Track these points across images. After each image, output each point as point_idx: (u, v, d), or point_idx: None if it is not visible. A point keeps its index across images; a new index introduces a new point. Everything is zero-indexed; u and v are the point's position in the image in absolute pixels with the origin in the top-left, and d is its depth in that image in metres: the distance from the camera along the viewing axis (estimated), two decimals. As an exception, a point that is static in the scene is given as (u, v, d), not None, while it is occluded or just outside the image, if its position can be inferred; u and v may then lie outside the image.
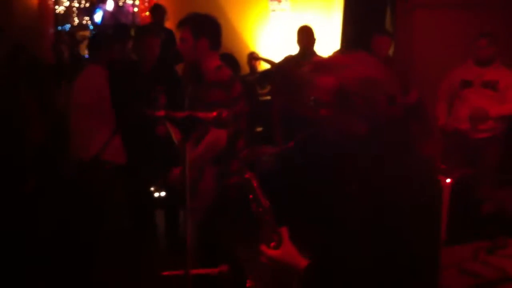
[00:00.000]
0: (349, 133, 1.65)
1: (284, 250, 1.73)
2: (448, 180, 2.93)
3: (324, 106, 1.66)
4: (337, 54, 1.70)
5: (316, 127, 1.71)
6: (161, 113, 1.98)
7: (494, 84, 4.88)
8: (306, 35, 5.76)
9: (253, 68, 7.54)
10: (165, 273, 2.16)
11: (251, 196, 1.81)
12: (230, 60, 5.20)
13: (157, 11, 7.14)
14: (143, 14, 8.17)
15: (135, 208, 5.29)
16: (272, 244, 1.76)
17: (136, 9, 9.55)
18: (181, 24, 3.24)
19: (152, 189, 5.41)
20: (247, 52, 7.67)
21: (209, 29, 3.21)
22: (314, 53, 5.71)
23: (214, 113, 1.86)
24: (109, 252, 4.86)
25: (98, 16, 11.99)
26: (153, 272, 2.45)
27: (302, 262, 1.68)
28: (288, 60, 5.99)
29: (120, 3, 11.56)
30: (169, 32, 6.61)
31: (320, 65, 1.71)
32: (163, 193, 5.42)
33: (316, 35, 5.82)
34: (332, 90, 1.64)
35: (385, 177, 1.58)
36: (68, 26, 11.68)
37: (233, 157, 3.11)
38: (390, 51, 5.83)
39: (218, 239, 3.21)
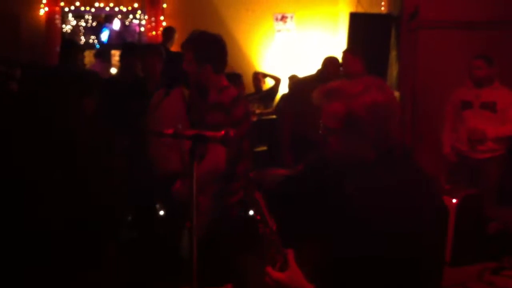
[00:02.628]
0: (356, 159, 1.65)
1: (290, 274, 1.72)
2: (454, 201, 2.93)
3: (333, 132, 1.67)
4: (346, 80, 1.68)
5: (324, 153, 1.71)
6: (170, 131, 2.00)
7: (493, 105, 4.91)
8: (332, 67, 5.45)
9: (258, 87, 7.59)
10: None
11: (258, 217, 1.81)
12: (235, 78, 5.21)
13: (167, 33, 7.28)
14: (149, 34, 8.23)
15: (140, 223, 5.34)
16: (278, 265, 1.76)
17: (142, 29, 9.64)
18: (185, 45, 3.20)
19: (157, 206, 5.42)
20: (252, 71, 7.73)
21: (213, 54, 3.14)
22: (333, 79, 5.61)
23: (222, 132, 1.88)
24: (113, 267, 4.85)
25: (104, 35, 12.09)
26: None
27: (306, 285, 1.68)
28: (303, 80, 5.93)
29: (127, 23, 11.66)
30: (174, 54, 6.67)
31: (330, 91, 1.70)
32: (161, 212, 5.44)
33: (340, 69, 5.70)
34: (341, 117, 1.64)
35: (394, 201, 1.57)
36: (74, 45, 11.76)
37: (234, 178, 3.10)
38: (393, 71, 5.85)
39: (220, 257, 3.19)
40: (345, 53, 5.32)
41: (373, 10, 7.20)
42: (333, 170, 1.72)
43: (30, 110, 4.56)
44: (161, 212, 5.41)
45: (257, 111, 6.74)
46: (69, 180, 4.05)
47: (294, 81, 6.41)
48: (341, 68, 5.47)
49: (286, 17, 8.03)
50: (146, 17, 8.67)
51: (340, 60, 5.45)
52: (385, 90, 1.66)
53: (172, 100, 4.26)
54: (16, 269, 3.14)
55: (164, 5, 8.17)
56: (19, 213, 2.99)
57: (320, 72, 5.53)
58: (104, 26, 12.15)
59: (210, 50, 3.14)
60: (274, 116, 6.45)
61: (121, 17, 11.73)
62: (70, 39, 8.16)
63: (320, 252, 1.70)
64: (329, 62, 5.49)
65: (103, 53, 9.84)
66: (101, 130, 4.82)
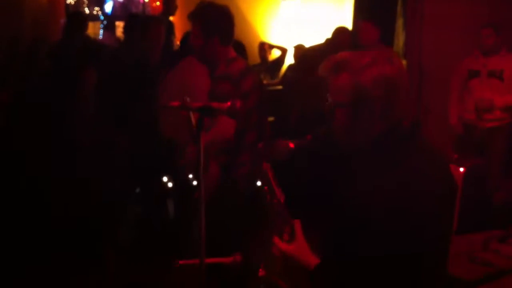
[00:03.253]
0: (363, 134, 1.64)
1: (296, 246, 1.73)
2: (461, 169, 2.93)
3: (340, 106, 1.65)
4: (354, 52, 1.65)
5: (331, 127, 1.69)
6: (176, 103, 2.00)
7: (500, 73, 4.89)
8: (343, 36, 5.43)
9: (264, 58, 7.55)
10: (180, 262, 2.19)
11: (266, 188, 1.82)
12: (238, 47, 5.17)
13: (169, 3, 7.13)
14: (153, 4, 8.17)
15: (148, 196, 5.36)
16: (285, 236, 1.78)
17: (146, -1, 9.56)
18: (192, 18, 3.14)
19: (165, 179, 5.45)
20: (257, 42, 7.68)
21: (220, 26, 3.09)
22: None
23: (228, 103, 1.88)
24: (124, 240, 4.92)
25: (108, 7, 12.01)
26: (167, 261, 2.48)
27: (313, 260, 1.69)
28: (313, 51, 5.88)
29: (131, -7, 11.57)
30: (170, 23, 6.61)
31: (337, 63, 1.66)
32: (170, 184, 5.47)
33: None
34: (348, 90, 1.62)
35: (400, 173, 1.56)
36: (78, 16, 11.70)
37: (241, 149, 3.10)
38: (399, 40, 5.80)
39: (228, 229, 3.21)
40: (361, 22, 5.23)
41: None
42: (339, 148, 1.70)
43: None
44: (170, 185, 5.44)
45: (264, 82, 6.71)
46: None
47: (302, 51, 6.35)
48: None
49: (292, -14, 7.95)
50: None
51: (350, 30, 5.41)
52: (393, 62, 1.63)
53: (184, 70, 4.23)
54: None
55: (168, -25, 8.07)
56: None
57: (329, 42, 5.49)
58: (108, -3, 12.06)
59: (218, 22, 3.09)
60: (280, 87, 6.42)
61: (125, -12, 11.64)
62: (74, 11, 8.07)
63: (327, 224, 1.71)
64: (341, 32, 5.44)
65: (111, 25, 9.77)
66: (105, 105, 4.83)
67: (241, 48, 5.44)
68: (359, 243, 1.55)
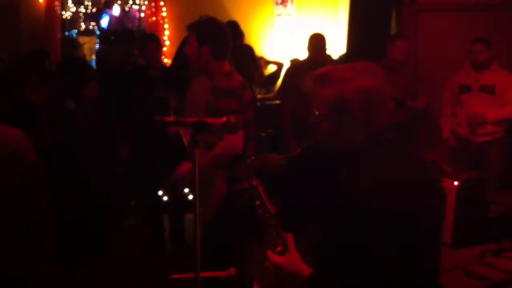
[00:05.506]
0: (347, 145, 1.67)
1: (289, 258, 1.74)
2: (455, 183, 2.94)
3: (324, 118, 1.69)
4: (337, 66, 1.70)
5: (317, 138, 1.74)
6: (171, 118, 2.00)
7: (491, 88, 4.92)
8: (317, 43, 5.64)
9: (260, 73, 7.57)
10: (174, 276, 2.18)
11: (257, 202, 1.83)
12: (234, 27, 5.15)
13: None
14: (149, 19, 8.19)
15: (144, 209, 5.38)
16: (278, 249, 1.78)
17: (142, 14, 9.59)
18: (189, 28, 3.22)
19: (160, 193, 5.45)
20: (252, 56, 7.70)
21: (213, 37, 3.13)
22: (323, 62, 5.57)
23: (224, 119, 1.88)
24: (118, 253, 4.91)
25: (104, 22, 12.06)
26: (161, 275, 2.47)
27: (306, 270, 1.70)
28: (296, 66, 5.98)
29: (126, 9, 11.62)
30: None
31: (319, 77, 1.72)
32: (165, 198, 5.48)
33: (327, 43, 5.75)
34: (331, 103, 1.66)
35: (386, 183, 1.59)
36: (75, 31, 11.75)
37: (241, 163, 3.11)
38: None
39: (226, 243, 3.22)
40: (399, 40, 5.15)
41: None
42: (326, 156, 1.74)
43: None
44: (165, 198, 5.45)
45: (259, 96, 6.74)
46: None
47: (290, 66, 6.43)
48: (326, 46, 5.56)
49: (286, 1, 7.98)
50: (146, 2, 8.62)
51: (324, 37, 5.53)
52: (375, 75, 1.68)
53: (197, 88, 4.29)
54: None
55: (164, -10, 8.12)
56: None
57: (309, 55, 5.60)
58: (104, 12, 12.12)
59: (211, 33, 3.15)
60: (277, 102, 6.45)
61: (121, 2, 11.70)
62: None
63: (319, 236, 1.72)
64: (313, 38, 5.63)
65: (107, 40, 9.87)
66: (105, 118, 4.87)
67: (237, 28, 5.41)
68: (350, 254, 1.57)
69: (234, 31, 3.55)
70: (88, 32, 11.76)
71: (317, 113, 1.71)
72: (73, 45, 8.42)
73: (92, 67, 6.91)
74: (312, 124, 1.73)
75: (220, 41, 3.17)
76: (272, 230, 1.81)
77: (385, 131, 1.68)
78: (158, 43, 5.26)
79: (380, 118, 1.66)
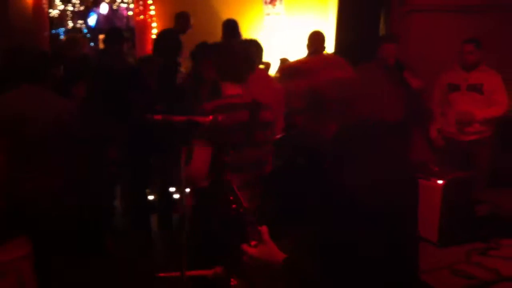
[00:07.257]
0: (323, 135, 1.67)
1: (264, 248, 1.74)
2: (440, 182, 2.95)
3: (299, 111, 1.69)
4: (307, 58, 1.73)
5: (295, 130, 1.75)
6: (159, 117, 2.00)
7: (480, 87, 4.96)
8: (316, 41, 5.64)
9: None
10: (161, 274, 2.18)
11: (231, 198, 1.83)
12: (255, 45, 5.18)
13: (181, 19, 6.90)
14: (137, 18, 8.16)
15: (132, 209, 5.36)
16: (253, 243, 1.78)
17: (130, 13, 9.53)
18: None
19: (147, 191, 5.45)
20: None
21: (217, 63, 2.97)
22: None
23: (211, 117, 1.88)
24: (106, 252, 4.88)
25: (92, 20, 11.99)
26: (149, 273, 2.46)
27: (280, 256, 1.70)
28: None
29: (115, 7, 11.57)
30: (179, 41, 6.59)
31: (291, 70, 1.73)
32: (151, 197, 5.47)
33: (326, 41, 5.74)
34: (304, 94, 1.67)
35: (371, 182, 1.58)
36: (62, 29, 11.68)
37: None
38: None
39: (212, 243, 3.20)
40: (386, 43, 5.10)
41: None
42: (305, 149, 1.75)
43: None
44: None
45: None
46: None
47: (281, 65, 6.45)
48: (324, 45, 5.52)
49: (275, 0, 7.99)
50: (134, 1, 8.58)
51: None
52: (344, 68, 1.70)
53: None
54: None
55: (153, -11, 8.09)
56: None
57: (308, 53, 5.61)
58: (92, 10, 12.05)
59: (216, 60, 2.99)
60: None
61: (109, 1, 11.63)
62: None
63: (311, 234, 1.72)
64: (312, 36, 5.63)
65: (94, 38, 9.82)
66: (96, 118, 4.82)
67: (258, 46, 5.39)
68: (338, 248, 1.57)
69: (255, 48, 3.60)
70: (75, 31, 11.68)
71: (289, 106, 1.72)
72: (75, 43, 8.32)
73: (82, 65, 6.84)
74: (289, 118, 1.74)
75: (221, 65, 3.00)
76: (247, 224, 1.81)
77: (367, 124, 1.68)
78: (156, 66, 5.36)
79: (357, 110, 1.67)
